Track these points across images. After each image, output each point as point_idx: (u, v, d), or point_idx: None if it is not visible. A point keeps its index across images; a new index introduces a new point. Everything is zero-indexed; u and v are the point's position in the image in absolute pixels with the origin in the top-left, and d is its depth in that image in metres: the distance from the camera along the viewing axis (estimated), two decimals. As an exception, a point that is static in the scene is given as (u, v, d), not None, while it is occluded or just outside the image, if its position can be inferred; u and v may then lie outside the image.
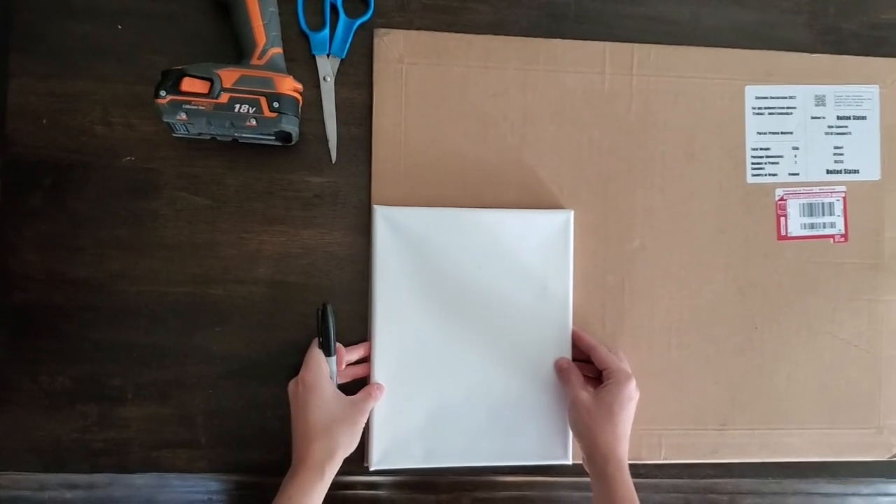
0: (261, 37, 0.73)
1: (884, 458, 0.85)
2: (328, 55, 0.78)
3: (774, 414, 0.84)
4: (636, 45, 0.82)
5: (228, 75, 0.70)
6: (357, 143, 0.79)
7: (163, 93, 0.69)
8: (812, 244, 0.84)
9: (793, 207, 0.84)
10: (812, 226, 0.84)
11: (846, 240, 0.85)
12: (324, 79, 0.78)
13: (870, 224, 0.85)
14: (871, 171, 0.85)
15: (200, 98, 0.70)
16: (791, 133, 0.84)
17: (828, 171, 0.85)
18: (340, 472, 0.77)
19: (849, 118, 0.85)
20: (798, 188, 0.84)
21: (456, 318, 0.78)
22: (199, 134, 0.74)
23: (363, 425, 0.73)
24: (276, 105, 0.71)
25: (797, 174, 0.84)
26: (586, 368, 0.78)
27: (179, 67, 0.70)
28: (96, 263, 0.76)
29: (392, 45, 0.79)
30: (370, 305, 0.77)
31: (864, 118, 0.85)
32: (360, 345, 0.77)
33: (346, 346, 0.76)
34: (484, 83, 0.80)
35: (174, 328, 0.77)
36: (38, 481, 0.77)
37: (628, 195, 0.82)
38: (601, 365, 0.76)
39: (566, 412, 0.78)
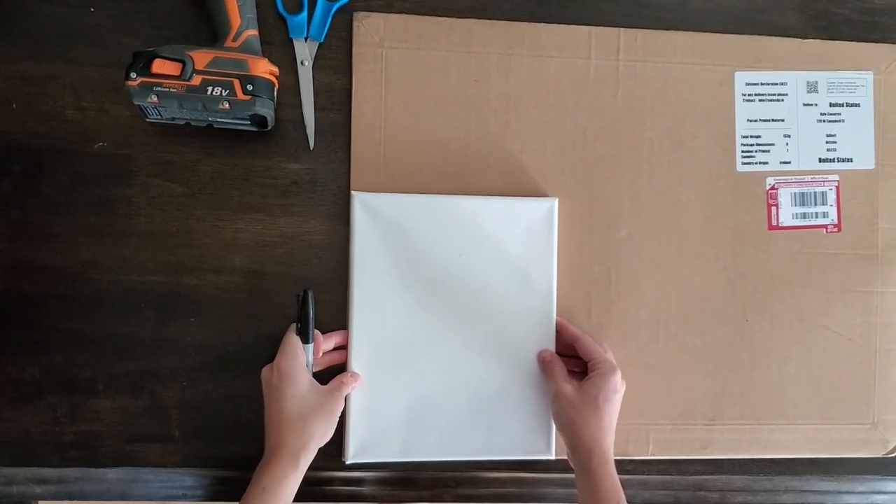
0: (235, 18, 0.71)
1: (878, 454, 0.83)
2: (306, 39, 0.76)
3: (766, 409, 0.82)
4: (622, 29, 0.80)
5: (201, 57, 0.69)
6: (336, 129, 0.77)
7: (133, 75, 0.67)
8: (804, 234, 0.82)
9: (784, 197, 0.82)
10: (804, 215, 0.82)
11: (839, 230, 0.83)
12: (301, 63, 0.76)
13: (863, 214, 0.83)
14: (864, 159, 0.83)
15: (172, 80, 0.68)
16: (782, 120, 0.82)
17: (820, 160, 0.83)
18: (319, 467, 0.75)
19: (842, 105, 0.83)
20: (790, 177, 0.82)
21: (436, 308, 0.76)
22: (173, 119, 0.72)
23: (339, 414, 0.71)
24: (249, 88, 0.69)
25: (789, 162, 0.82)
26: (570, 363, 0.76)
27: (151, 49, 0.69)
28: (67, 251, 0.74)
29: (372, 29, 0.77)
30: (349, 294, 0.75)
31: (857, 105, 0.83)
32: (337, 332, 0.75)
33: (323, 334, 0.74)
34: (466, 68, 0.78)
35: (147, 318, 0.75)
36: (6, 475, 0.75)
37: (615, 183, 0.80)
38: (586, 356, 0.74)
39: (548, 405, 0.75)
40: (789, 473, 0.83)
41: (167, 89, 0.68)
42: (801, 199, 0.82)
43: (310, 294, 0.71)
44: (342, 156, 0.77)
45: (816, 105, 0.83)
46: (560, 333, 0.77)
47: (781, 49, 0.82)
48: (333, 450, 0.75)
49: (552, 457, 0.77)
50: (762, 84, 0.82)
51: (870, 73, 0.83)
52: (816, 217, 0.82)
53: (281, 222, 0.76)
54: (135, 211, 0.75)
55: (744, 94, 0.82)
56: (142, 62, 0.68)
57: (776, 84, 0.82)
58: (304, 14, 0.76)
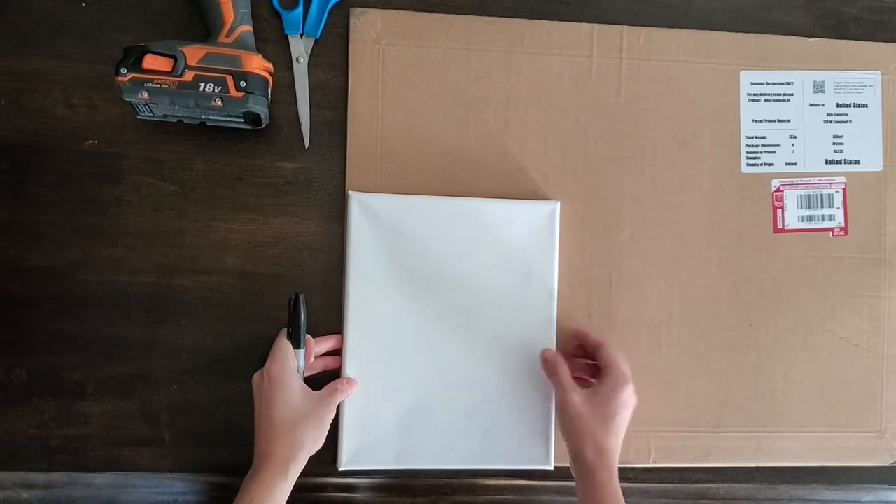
0: (229, 14, 0.69)
1: (885, 463, 0.81)
2: (301, 35, 0.75)
3: (770, 416, 0.80)
4: (625, 27, 0.78)
5: (193, 53, 0.67)
6: (331, 128, 0.75)
7: (124, 70, 0.66)
8: (810, 237, 0.80)
9: (790, 199, 0.80)
10: (810, 218, 0.80)
11: (846, 233, 0.81)
12: (297, 60, 0.75)
13: (871, 217, 0.81)
14: (872, 161, 0.81)
15: (163, 76, 0.66)
16: (788, 121, 0.80)
17: (827, 161, 0.81)
18: (312, 474, 0.73)
19: (849, 106, 0.81)
20: (795, 178, 0.80)
21: (433, 312, 0.74)
22: (165, 116, 0.71)
23: (330, 422, 0.69)
24: (243, 84, 0.67)
25: (795, 164, 0.80)
26: (573, 365, 0.74)
27: (142, 44, 0.67)
28: (56, 251, 0.73)
29: (369, 25, 0.75)
30: (343, 297, 0.74)
31: (865, 106, 0.81)
32: (331, 336, 0.73)
33: (316, 338, 0.72)
34: (465, 66, 0.76)
35: (138, 320, 0.73)
36: (-8, 480, 0.73)
37: (616, 184, 0.78)
38: (604, 362, 0.71)
39: (549, 413, 0.74)
40: (794, 482, 0.81)
41: (158, 85, 0.66)
42: (808, 202, 0.80)
43: (301, 298, 0.69)
44: (338, 155, 0.75)
45: (823, 105, 0.81)
46: (581, 340, 0.75)
47: (788, 48, 0.80)
48: (326, 456, 0.73)
49: (551, 467, 0.75)
50: (768, 84, 0.80)
51: (878, 73, 0.81)
52: (823, 220, 0.81)
53: (275, 222, 0.75)
54: (125, 210, 0.73)
55: (749, 94, 0.80)
56: (132, 58, 0.66)
57: (782, 84, 0.80)
58: (300, 10, 0.74)
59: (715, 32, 0.79)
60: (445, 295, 0.74)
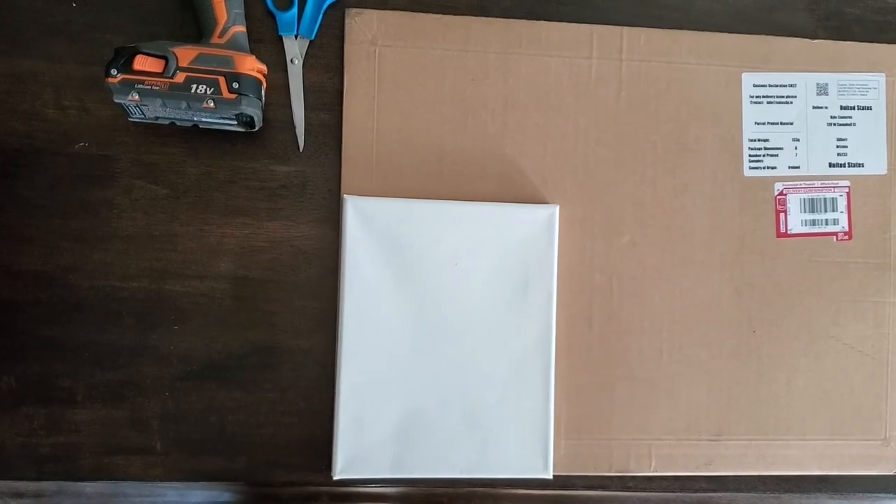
0: (222, 14, 0.68)
1: (890, 472, 0.80)
2: (296, 36, 0.73)
3: (773, 423, 0.78)
4: (626, 28, 0.77)
5: (185, 53, 0.66)
6: (326, 130, 0.74)
7: (114, 71, 0.65)
8: (813, 242, 0.79)
9: (793, 203, 0.79)
10: (813, 222, 0.79)
11: (850, 238, 0.80)
12: (291, 61, 0.73)
13: (875, 221, 0.80)
14: (876, 164, 0.80)
15: (154, 77, 0.65)
16: (791, 124, 0.79)
17: (830, 165, 0.80)
18: (306, 482, 0.73)
19: (853, 108, 0.80)
20: (799, 182, 0.79)
21: (430, 317, 0.73)
22: (157, 118, 0.69)
23: None
24: (235, 86, 0.66)
25: (798, 167, 0.79)
26: None
27: (133, 45, 0.66)
28: (46, 256, 0.71)
29: (364, 26, 0.74)
30: (339, 302, 0.72)
31: (869, 108, 0.80)
32: None
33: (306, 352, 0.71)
34: (463, 67, 0.75)
35: (129, 326, 0.72)
36: (-20, 489, 0.72)
37: (617, 188, 0.77)
38: None
39: (547, 421, 0.72)
40: (797, 491, 0.80)
41: (149, 87, 0.65)
42: (811, 206, 0.79)
43: None
44: (333, 158, 0.74)
45: (826, 108, 0.80)
46: None
47: (790, 49, 0.79)
48: (321, 464, 0.72)
49: (550, 476, 0.73)
50: (770, 86, 0.79)
51: (882, 75, 0.80)
52: (826, 224, 0.79)
53: (269, 227, 0.73)
54: (116, 214, 0.72)
55: (751, 96, 0.79)
56: (123, 58, 0.65)
57: (785, 86, 0.79)
58: (294, 10, 0.73)
59: (716, 34, 0.78)
60: (442, 300, 0.73)
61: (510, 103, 0.76)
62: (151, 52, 0.65)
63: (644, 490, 0.78)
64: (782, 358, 0.79)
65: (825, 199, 0.79)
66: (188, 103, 0.66)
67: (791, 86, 0.79)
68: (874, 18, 0.81)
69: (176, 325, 0.72)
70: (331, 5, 0.74)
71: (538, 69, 0.76)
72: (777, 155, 0.79)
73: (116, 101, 0.65)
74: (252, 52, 0.70)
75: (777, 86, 0.79)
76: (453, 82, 0.75)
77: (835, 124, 0.80)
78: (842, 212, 0.79)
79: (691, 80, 0.78)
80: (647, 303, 0.77)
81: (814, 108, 0.80)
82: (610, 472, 0.76)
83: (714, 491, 0.79)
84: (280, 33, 0.73)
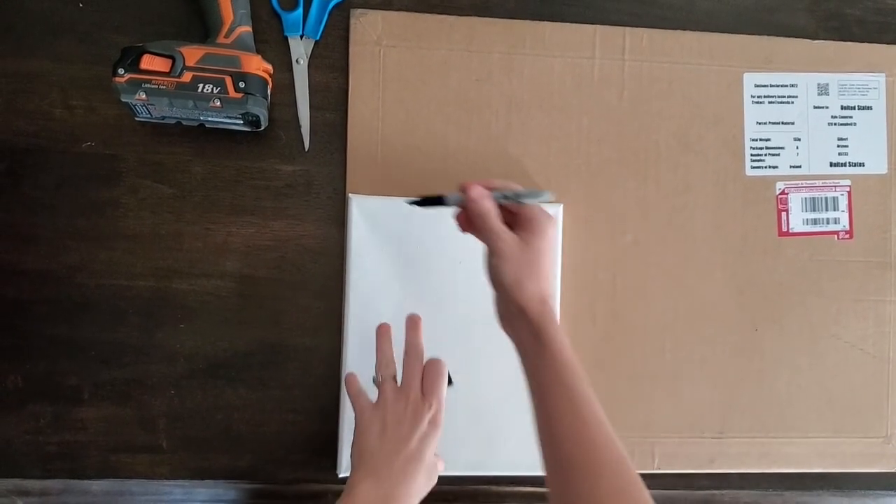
0: (228, 14, 0.69)
1: (891, 469, 0.80)
2: (301, 36, 0.74)
3: (775, 421, 0.79)
4: (628, 28, 0.78)
5: (192, 53, 0.66)
6: (332, 130, 0.75)
7: (121, 71, 0.65)
8: (815, 241, 0.80)
9: (794, 202, 0.79)
10: (815, 221, 0.80)
11: (851, 237, 0.80)
12: (297, 61, 0.74)
13: (876, 220, 0.80)
14: (877, 164, 0.81)
15: (161, 77, 0.65)
16: (792, 123, 0.80)
17: (831, 164, 0.80)
18: (312, 480, 0.73)
19: (853, 108, 0.80)
20: (800, 181, 0.80)
21: (435, 316, 0.73)
22: (163, 118, 0.70)
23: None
24: (242, 85, 0.66)
25: (799, 167, 0.80)
26: None
27: (140, 45, 0.66)
28: (53, 255, 0.72)
29: (369, 27, 0.75)
30: (343, 301, 0.73)
31: (869, 108, 0.81)
32: None
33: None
34: (467, 68, 0.76)
35: (135, 324, 0.72)
36: (-13, 487, 0.72)
37: (620, 187, 0.77)
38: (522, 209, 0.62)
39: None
40: (799, 488, 0.80)
41: (156, 86, 0.65)
42: (812, 205, 0.80)
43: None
44: (338, 157, 0.74)
45: (827, 108, 0.80)
46: (488, 186, 0.62)
47: (791, 50, 0.80)
48: (326, 462, 0.73)
49: (554, 471, 0.74)
50: (772, 86, 0.79)
51: (882, 75, 0.81)
52: (828, 223, 0.80)
53: (274, 226, 0.74)
54: (123, 213, 0.72)
55: (753, 96, 0.79)
56: (130, 58, 0.65)
57: (786, 86, 0.80)
58: (300, 11, 0.74)
59: (718, 34, 0.79)
60: (447, 298, 0.73)
61: (514, 103, 0.76)
62: (158, 51, 0.66)
63: (647, 488, 0.78)
64: (784, 356, 0.79)
65: (826, 199, 0.80)
66: (195, 102, 0.66)
67: (792, 86, 0.80)
68: (874, 19, 0.81)
69: (182, 323, 0.73)
70: (336, 6, 0.74)
71: (542, 69, 0.77)
72: (778, 154, 0.79)
73: (123, 100, 0.66)
74: (258, 52, 0.70)
75: (778, 86, 0.80)
76: (457, 82, 0.76)
77: (835, 124, 0.80)
78: (843, 211, 0.80)
79: (693, 81, 0.78)
80: (650, 301, 0.78)
81: (815, 107, 0.80)
82: (613, 469, 0.77)
83: (717, 488, 0.79)
84: (285, 33, 0.74)
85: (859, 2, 0.81)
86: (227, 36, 0.68)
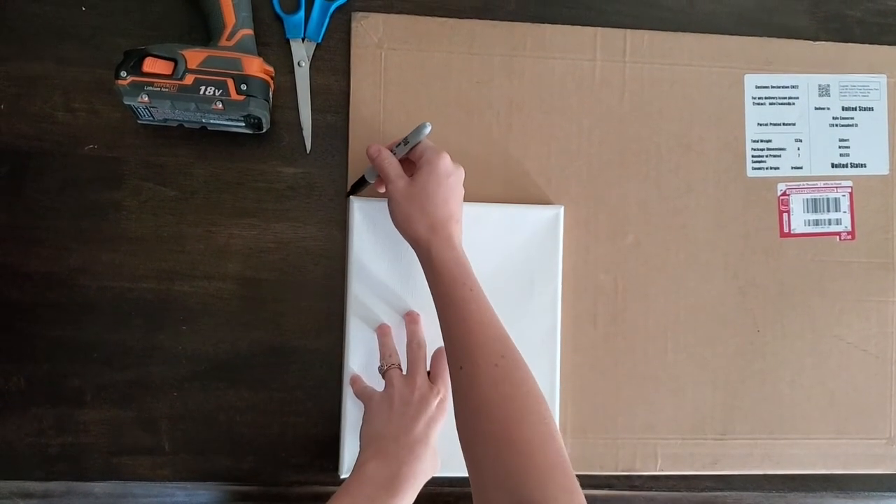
0: (230, 17, 0.69)
1: (894, 470, 0.80)
2: (303, 39, 0.74)
3: (778, 423, 0.79)
4: (629, 30, 0.78)
5: (194, 56, 0.67)
6: (333, 132, 0.75)
7: (123, 73, 0.65)
8: (817, 242, 0.80)
9: (796, 203, 0.79)
10: (817, 222, 0.80)
11: (853, 237, 0.80)
12: (298, 64, 0.74)
13: (878, 221, 0.80)
14: (878, 165, 0.81)
15: (163, 79, 0.66)
16: (793, 125, 0.80)
17: (833, 165, 0.80)
18: (313, 481, 0.73)
19: (855, 109, 0.81)
20: (801, 182, 0.80)
21: (434, 318, 0.72)
22: (166, 120, 0.70)
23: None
24: (243, 87, 0.67)
25: (800, 168, 0.80)
26: None
27: (142, 48, 0.66)
28: (55, 257, 0.72)
29: (371, 29, 0.75)
30: (345, 303, 0.73)
31: (870, 109, 0.81)
32: None
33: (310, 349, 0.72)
34: (468, 70, 0.76)
35: (137, 326, 0.72)
36: (-11, 489, 0.72)
37: (621, 188, 0.77)
38: (416, 156, 0.69)
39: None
40: (802, 490, 0.80)
41: (158, 89, 0.65)
42: (814, 206, 0.80)
43: None
44: (340, 160, 0.75)
45: (828, 109, 0.80)
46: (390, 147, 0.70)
47: (792, 51, 0.80)
48: (328, 463, 0.73)
49: (556, 472, 0.74)
50: (772, 87, 0.80)
51: (883, 77, 0.81)
52: (829, 224, 0.80)
53: (276, 228, 0.74)
54: (125, 215, 0.72)
55: (754, 98, 0.79)
56: (132, 60, 0.66)
57: (787, 87, 0.80)
58: (302, 14, 0.74)
59: (719, 36, 0.79)
60: (448, 300, 0.73)
61: (515, 105, 0.76)
62: (160, 54, 0.66)
63: (650, 489, 0.78)
64: (786, 357, 0.79)
65: (828, 200, 0.80)
66: (197, 105, 0.66)
67: (793, 87, 0.80)
68: (874, 21, 0.81)
69: (184, 325, 0.73)
70: (337, 9, 0.75)
71: (542, 71, 0.77)
72: (780, 156, 0.79)
73: (126, 103, 0.66)
74: (259, 54, 0.70)
75: (779, 87, 0.80)
76: (458, 85, 0.76)
77: (837, 125, 0.80)
78: (845, 212, 0.80)
79: (694, 82, 0.78)
80: (652, 302, 0.78)
81: (816, 109, 0.80)
82: (616, 471, 0.77)
83: (720, 490, 0.79)
84: (287, 36, 0.74)
85: (860, 3, 0.81)
86: (229, 39, 0.69)
